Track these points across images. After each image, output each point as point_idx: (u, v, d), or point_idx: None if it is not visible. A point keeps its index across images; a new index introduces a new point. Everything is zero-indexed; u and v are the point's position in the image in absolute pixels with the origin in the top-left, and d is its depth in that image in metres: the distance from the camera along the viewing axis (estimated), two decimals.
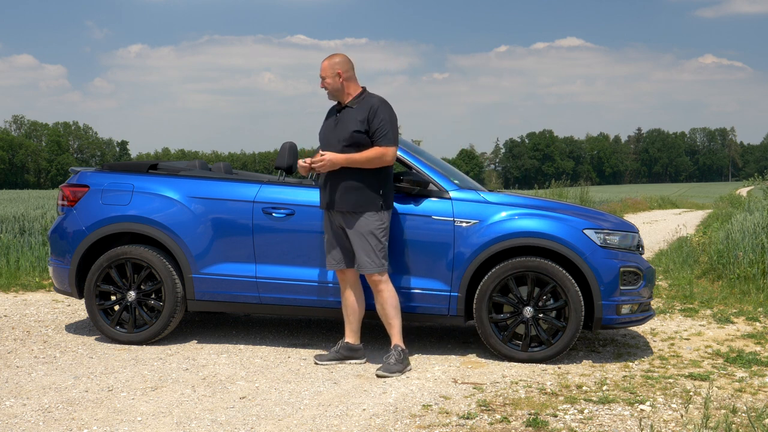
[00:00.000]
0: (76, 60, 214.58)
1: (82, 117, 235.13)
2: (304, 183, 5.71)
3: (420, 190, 5.31)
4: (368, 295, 5.21)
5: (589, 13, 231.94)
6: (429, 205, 5.29)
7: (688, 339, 6.04)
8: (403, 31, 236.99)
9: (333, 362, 5.09)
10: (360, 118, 4.90)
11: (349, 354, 5.14)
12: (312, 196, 5.40)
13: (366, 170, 4.89)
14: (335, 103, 5.10)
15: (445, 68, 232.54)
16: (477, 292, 5.21)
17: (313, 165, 4.89)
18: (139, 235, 5.64)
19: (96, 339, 5.74)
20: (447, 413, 4.09)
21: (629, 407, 4.20)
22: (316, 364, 5.09)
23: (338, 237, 5.03)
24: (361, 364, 5.12)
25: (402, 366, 4.89)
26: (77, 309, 6.94)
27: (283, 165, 5.77)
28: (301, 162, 4.99)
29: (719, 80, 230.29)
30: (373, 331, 6.13)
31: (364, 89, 5.06)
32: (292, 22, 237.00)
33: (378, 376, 4.80)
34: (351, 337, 5.15)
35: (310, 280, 5.34)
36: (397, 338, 5.00)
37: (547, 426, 3.87)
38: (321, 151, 4.96)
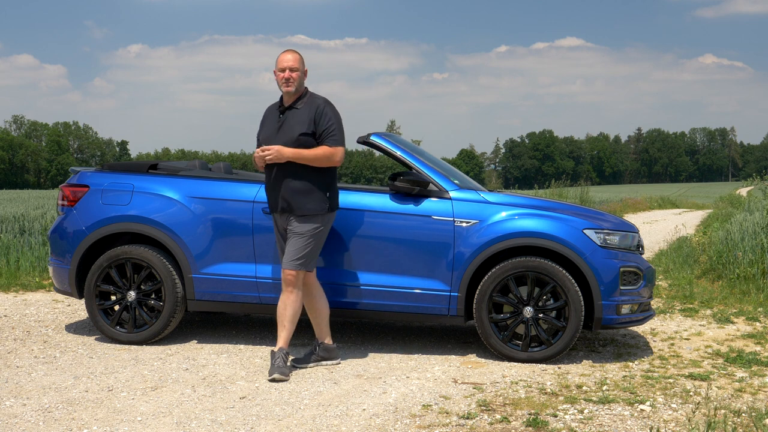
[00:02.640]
0: (76, 60, 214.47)
1: (82, 117, 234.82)
2: None
3: (420, 190, 5.31)
4: (370, 296, 5.22)
5: (589, 13, 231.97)
6: (429, 205, 5.29)
7: (688, 339, 6.04)
8: (404, 31, 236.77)
9: (312, 365, 5.02)
10: (306, 120, 4.84)
11: (326, 355, 5.08)
12: None
13: (313, 172, 4.84)
14: (274, 102, 5.02)
15: (445, 68, 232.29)
16: (477, 292, 5.21)
17: (261, 155, 4.78)
18: (139, 235, 5.64)
19: (96, 339, 5.74)
20: (447, 413, 4.09)
21: (629, 407, 4.20)
22: (294, 367, 4.96)
23: (284, 240, 4.99)
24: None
25: (288, 370, 4.79)
26: (77, 309, 6.94)
27: None
28: (256, 153, 4.85)
29: (719, 80, 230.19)
30: (373, 330, 6.14)
31: (307, 89, 5.02)
32: (292, 22, 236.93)
33: (275, 380, 4.66)
34: (326, 337, 5.09)
35: None
36: (284, 341, 4.88)
37: (547, 426, 3.88)
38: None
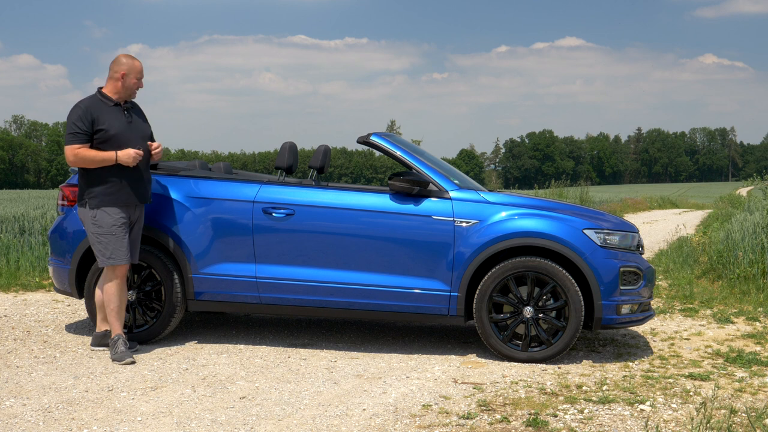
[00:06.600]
0: (76, 60, 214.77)
1: None
2: (304, 183, 5.71)
3: (420, 190, 5.32)
4: (370, 296, 5.22)
5: (589, 13, 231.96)
6: (429, 205, 5.29)
7: (688, 339, 6.04)
8: (404, 31, 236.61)
9: (104, 348, 5.32)
10: (144, 119, 5.34)
11: (106, 341, 5.34)
12: (312, 196, 5.41)
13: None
14: (94, 100, 5.15)
15: (445, 68, 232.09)
16: (477, 292, 5.21)
17: (155, 153, 5.24)
18: None
19: None
20: (447, 413, 4.09)
21: (629, 407, 4.21)
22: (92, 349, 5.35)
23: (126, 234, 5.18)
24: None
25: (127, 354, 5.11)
26: (77, 309, 6.94)
27: (283, 165, 5.77)
28: (133, 153, 5.04)
29: (719, 80, 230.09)
30: (373, 330, 6.14)
31: None
32: (292, 22, 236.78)
33: (130, 362, 5.04)
34: (112, 326, 5.26)
35: (310, 280, 5.34)
36: (120, 326, 5.19)
37: (547, 426, 3.88)
38: (151, 142, 5.25)
